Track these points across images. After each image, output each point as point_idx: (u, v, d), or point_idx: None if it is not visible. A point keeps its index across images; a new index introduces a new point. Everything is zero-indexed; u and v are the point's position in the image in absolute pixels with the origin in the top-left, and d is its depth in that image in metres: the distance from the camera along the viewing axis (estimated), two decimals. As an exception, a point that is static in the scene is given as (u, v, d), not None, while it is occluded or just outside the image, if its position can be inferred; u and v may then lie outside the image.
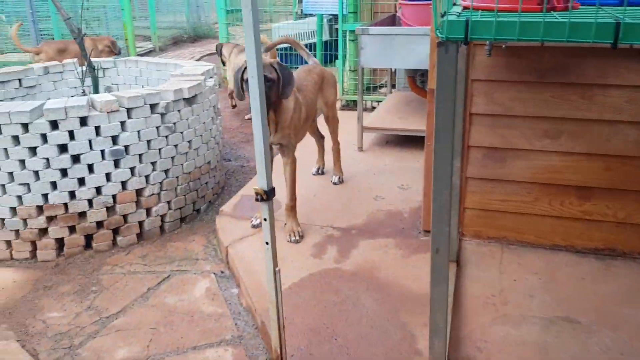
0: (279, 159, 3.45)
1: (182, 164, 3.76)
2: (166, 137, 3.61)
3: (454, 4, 2.31)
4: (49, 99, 4.64)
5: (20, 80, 4.49)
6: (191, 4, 13.32)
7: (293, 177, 3.32)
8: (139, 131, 3.45)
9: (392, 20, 5.51)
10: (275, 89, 3.06)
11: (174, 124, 3.65)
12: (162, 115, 3.56)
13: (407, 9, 5.02)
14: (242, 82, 3.19)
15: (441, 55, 1.80)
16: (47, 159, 3.23)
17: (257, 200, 2.04)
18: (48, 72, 4.68)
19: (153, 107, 3.51)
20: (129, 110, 3.39)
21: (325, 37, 8.81)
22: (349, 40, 5.93)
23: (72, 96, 4.77)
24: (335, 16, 8.57)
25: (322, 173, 4.23)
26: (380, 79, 6.94)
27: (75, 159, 3.29)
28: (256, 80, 1.91)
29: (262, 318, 2.59)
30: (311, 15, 8.88)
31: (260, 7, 7.85)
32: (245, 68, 2.93)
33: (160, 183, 3.63)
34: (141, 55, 10.19)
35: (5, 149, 3.18)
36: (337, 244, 3.24)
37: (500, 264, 2.99)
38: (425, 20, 4.88)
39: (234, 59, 6.25)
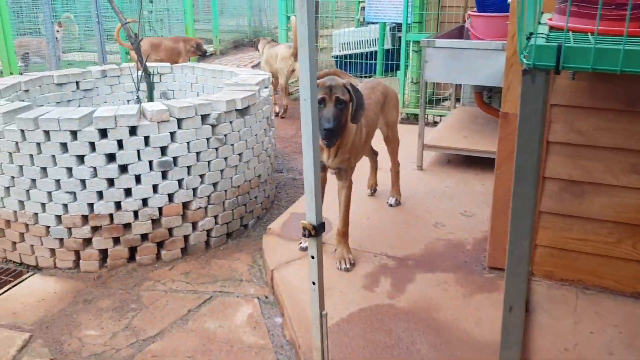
0: (330, 178, 3.23)
1: (231, 177, 3.60)
2: (216, 149, 3.46)
3: (539, 23, 2.03)
4: (105, 102, 4.61)
5: (77, 82, 4.47)
6: (253, 8, 13.34)
7: (348, 201, 3.09)
8: (188, 142, 3.31)
9: (460, 33, 5.21)
10: (347, 112, 2.81)
11: (225, 135, 3.49)
12: (213, 126, 3.41)
13: (476, 21, 4.70)
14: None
15: (527, 85, 1.54)
16: (95, 168, 3.13)
17: (304, 235, 1.83)
18: (105, 76, 4.64)
19: (204, 117, 3.37)
20: (179, 120, 3.26)
21: (387, 45, 8.55)
22: (412, 50, 5.66)
23: (128, 101, 4.72)
24: (399, 25, 8.32)
25: (374, 192, 3.98)
26: (444, 92, 6.63)
27: (123, 168, 3.18)
28: (309, 102, 1.70)
29: (306, 357, 2.37)
30: (373, 22, 8.65)
31: (322, 14, 7.63)
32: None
33: (208, 196, 3.48)
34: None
35: (53, 156, 3.10)
36: (391, 276, 2.99)
37: (574, 312, 2.66)
38: (496, 34, 4.56)
39: (267, 52, 6.88)
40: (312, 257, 1.86)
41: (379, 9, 7.01)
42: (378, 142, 3.76)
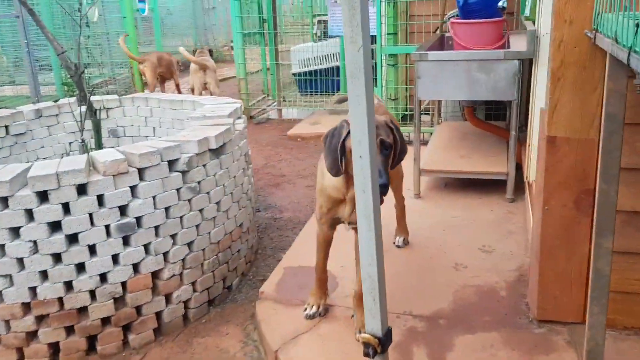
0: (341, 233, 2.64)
1: (209, 233, 2.95)
2: (189, 200, 2.81)
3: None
4: (42, 147, 3.89)
5: (7, 127, 3.72)
6: (198, 27, 12.64)
7: None
8: (154, 197, 2.65)
9: (441, 43, 4.73)
10: (390, 158, 2.19)
11: (199, 183, 2.86)
12: (184, 173, 2.77)
13: (460, 29, 4.22)
14: (342, 151, 2.13)
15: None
16: (35, 242, 2.42)
17: (366, 355, 1.23)
18: (41, 116, 3.92)
19: (172, 163, 2.72)
20: (141, 170, 2.60)
21: (349, 59, 8.03)
22: (388, 65, 5.15)
23: (70, 143, 4.00)
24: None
25: None
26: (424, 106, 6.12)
27: (72, 239, 2.49)
28: (368, 162, 1.11)
29: None
30: (336, 36, 8.16)
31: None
32: (349, 132, 2.10)
33: (183, 260, 2.82)
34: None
35: (-21, 231, 2.39)
36: (424, 344, 2.41)
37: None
38: (483, 41, 4.10)
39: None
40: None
41: (342, 23, 6.48)
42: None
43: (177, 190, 2.75)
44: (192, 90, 6.99)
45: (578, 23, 2.10)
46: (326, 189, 2.39)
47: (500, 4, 4.12)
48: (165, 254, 2.74)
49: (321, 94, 7.76)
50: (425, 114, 6.04)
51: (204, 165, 2.89)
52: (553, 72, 2.17)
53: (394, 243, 3.25)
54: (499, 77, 3.55)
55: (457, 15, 4.46)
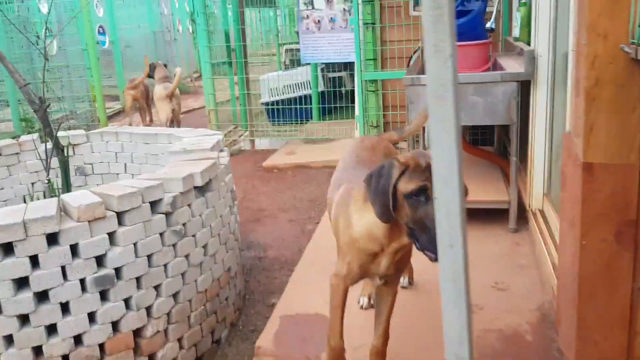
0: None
1: (195, 281, 2.62)
2: (174, 245, 2.49)
3: None
4: (2, 189, 3.50)
5: (-40, 167, 3.33)
6: (160, 59, 12.28)
7: (392, 310, 2.22)
8: (135, 244, 2.32)
9: (424, 67, 4.56)
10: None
11: (184, 225, 2.54)
12: (167, 215, 2.45)
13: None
14: (394, 195, 1.85)
15: None
16: (-4, 303, 2.06)
17: None
18: (0, 154, 3.53)
19: (154, 205, 2.40)
20: (120, 214, 2.27)
21: (321, 88, 7.86)
22: (368, 91, 4.95)
23: (32, 184, 3.62)
24: (327, 65, 7.69)
25: None
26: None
27: (42, 297, 2.13)
28: (458, 207, 0.84)
29: None
30: (300, 65, 7.98)
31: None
32: (403, 173, 1.83)
33: (168, 314, 2.48)
34: (110, 117, 9.05)
35: None
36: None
37: None
38: (471, 64, 3.95)
39: (155, 87, 6.73)
40: None
41: (316, 49, 6.31)
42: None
43: (161, 234, 2.43)
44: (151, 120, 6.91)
45: (613, 37, 1.91)
46: (358, 241, 2.03)
47: (488, 25, 3.99)
48: (148, 308, 2.39)
49: (291, 123, 7.53)
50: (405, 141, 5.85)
51: (189, 205, 2.58)
52: (587, 92, 1.97)
53: (358, 302, 2.88)
54: (497, 100, 3.37)
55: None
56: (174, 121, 6.68)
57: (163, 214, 2.43)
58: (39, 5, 7.66)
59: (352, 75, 8.45)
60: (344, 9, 6.15)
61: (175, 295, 2.51)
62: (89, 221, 2.18)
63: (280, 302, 2.97)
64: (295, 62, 8.65)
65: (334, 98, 7.72)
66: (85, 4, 7.46)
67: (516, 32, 3.88)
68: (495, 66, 4.06)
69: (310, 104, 7.77)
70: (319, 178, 5.49)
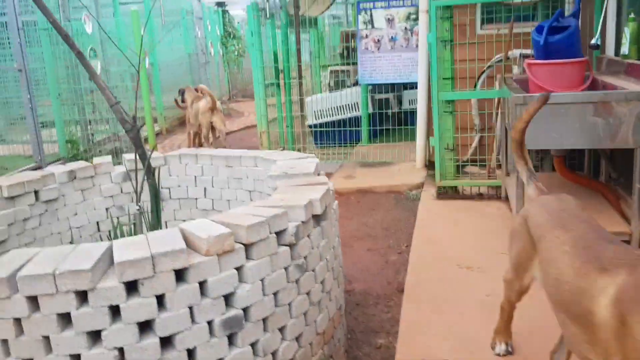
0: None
1: (315, 321, 2.34)
2: (296, 281, 2.22)
3: None
4: (76, 214, 3.27)
5: (36, 192, 3.10)
6: (194, 80, 12.19)
7: None
8: (262, 280, 2.05)
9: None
10: None
11: (305, 258, 2.27)
12: (291, 246, 2.18)
13: (540, 69, 3.82)
14: None
15: None
16: (122, 350, 1.79)
17: None
18: (75, 178, 3.31)
19: (279, 235, 2.14)
20: (248, 247, 2.01)
21: (370, 109, 7.62)
22: (444, 112, 4.69)
23: (107, 209, 3.38)
24: (377, 86, 7.45)
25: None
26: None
27: (166, 342, 1.86)
28: None
29: None
30: (345, 86, 7.76)
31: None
32: None
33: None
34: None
35: (46, 338, 1.74)
36: None
37: None
38: (566, 83, 3.69)
39: (194, 106, 6.37)
40: None
41: (375, 70, 6.09)
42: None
43: (286, 269, 2.16)
44: (194, 134, 6.51)
45: None
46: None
47: (593, 41, 3.73)
48: (274, 354, 2.11)
49: (339, 146, 7.28)
50: (471, 164, 5.55)
51: (308, 236, 2.31)
52: None
53: (494, 351, 2.51)
54: (619, 121, 3.09)
55: (532, 56, 4.10)
56: (217, 135, 6.41)
57: (287, 245, 2.17)
58: (84, 25, 7.54)
59: (399, 97, 8.24)
60: (406, 28, 5.94)
61: (298, 339, 2.23)
62: (218, 255, 1.91)
63: (399, 345, 2.66)
64: (340, 84, 8.45)
65: (382, 120, 7.47)
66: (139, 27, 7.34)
67: (625, 49, 3.62)
68: (596, 86, 3.79)
69: (359, 126, 7.52)
70: (385, 204, 5.21)
